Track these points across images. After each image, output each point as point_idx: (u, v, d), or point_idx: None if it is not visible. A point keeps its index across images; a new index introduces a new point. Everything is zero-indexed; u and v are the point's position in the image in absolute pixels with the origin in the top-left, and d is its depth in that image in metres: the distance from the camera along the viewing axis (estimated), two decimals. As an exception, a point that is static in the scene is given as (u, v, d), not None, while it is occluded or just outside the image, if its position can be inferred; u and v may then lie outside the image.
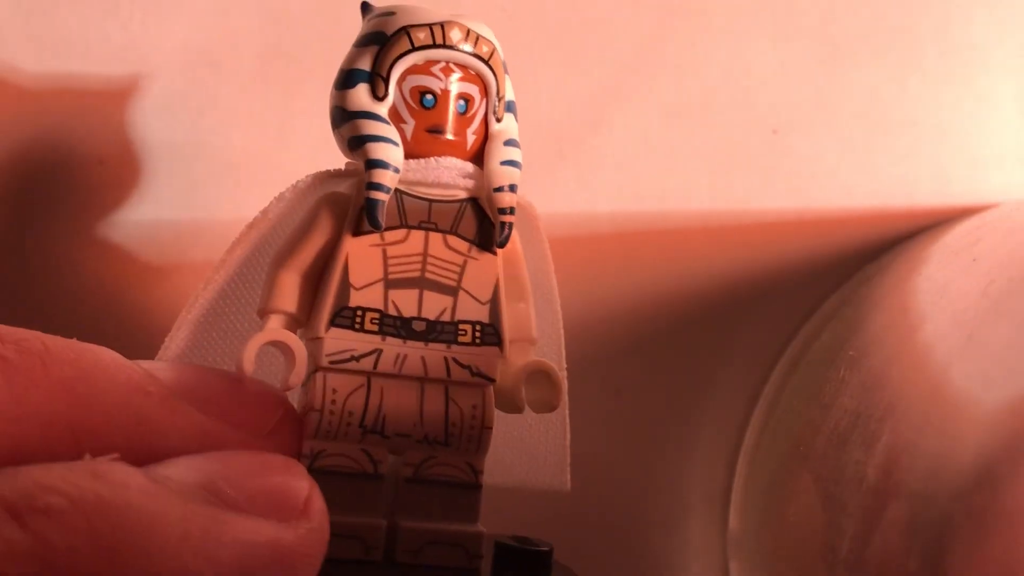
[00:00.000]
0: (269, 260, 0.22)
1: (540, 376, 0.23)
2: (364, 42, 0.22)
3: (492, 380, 0.22)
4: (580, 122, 0.32)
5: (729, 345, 0.33)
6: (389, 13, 0.22)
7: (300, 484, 0.18)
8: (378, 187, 0.21)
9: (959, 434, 0.21)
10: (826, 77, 0.33)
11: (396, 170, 0.21)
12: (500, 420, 0.23)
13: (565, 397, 0.23)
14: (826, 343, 0.30)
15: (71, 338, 0.19)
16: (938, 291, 0.27)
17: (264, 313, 0.22)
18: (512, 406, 0.23)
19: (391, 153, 0.21)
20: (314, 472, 0.21)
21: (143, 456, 0.17)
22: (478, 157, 0.22)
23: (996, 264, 0.26)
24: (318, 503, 0.18)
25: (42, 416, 0.17)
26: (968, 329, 0.23)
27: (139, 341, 0.28)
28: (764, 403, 0.33)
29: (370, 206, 0.21)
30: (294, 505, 0.17)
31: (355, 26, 0.23)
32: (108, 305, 0.24)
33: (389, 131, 0.22)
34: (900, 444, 0.22)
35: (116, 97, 0.30)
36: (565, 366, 0.24)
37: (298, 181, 0.22)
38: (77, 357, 0.18)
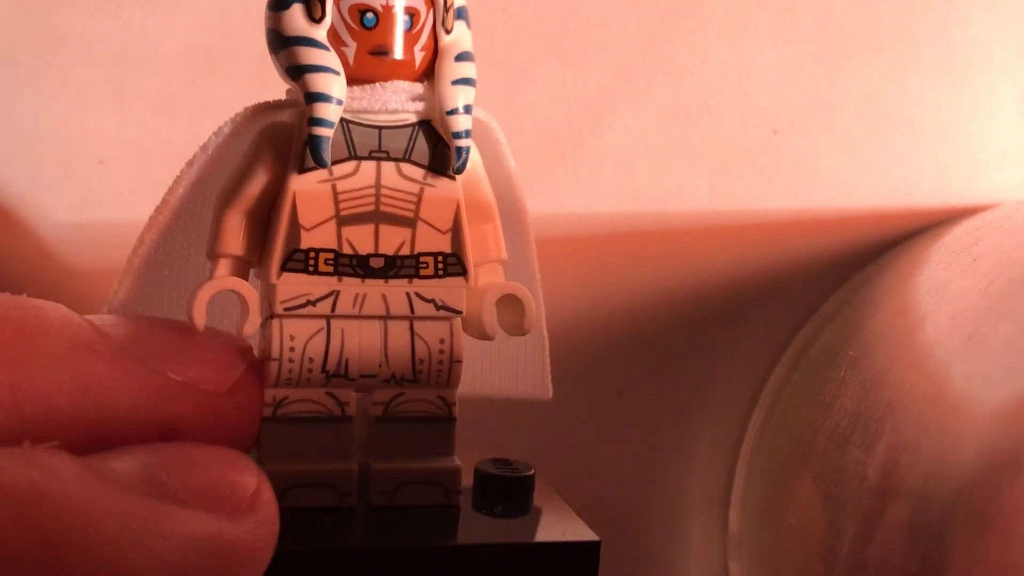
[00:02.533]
0: (213, 197, 0.21)
1: (510, 299, 0.21)
2: None
3: (458, 312, 0.21)
4: (580, 122, 0.32)
5: (729, 345, 0.33)
6: None
7: (247, 479, 0.17)
8: (320, 122, 0.20)
9: (959, 434, 0.21)
10: (826, 77, 0.33)
11: (339, 102, 0.20)
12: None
13: (542, 309, 0.22)
14: (826, 343, 0.30)
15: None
16: (938, 291, 0.27)
17: (212, 256, 0.20)
18: (481, 333, 0.21)
19: (332, 84, 0.20)
20: (278, 420, 0.20)
21: (90, 419, 0.16)
22: (428, 73, 0.21)
23: (996, 264, 0.26)
24: (267, 497, 0.17)
25: None
26: (968, 329, 0.23)
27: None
28: (764, 403, 0.33)
29: (314, 143, 0.20)
30: (240, 499, 0.16)
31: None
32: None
33: (329, 59, 0.20)
34: (900, 444, 0.22)
35: (116, 96, 0.30)
36: (540, 288, 0.23)
37: (236, 114, 0.21)
38: (19, 316, 0.17)
